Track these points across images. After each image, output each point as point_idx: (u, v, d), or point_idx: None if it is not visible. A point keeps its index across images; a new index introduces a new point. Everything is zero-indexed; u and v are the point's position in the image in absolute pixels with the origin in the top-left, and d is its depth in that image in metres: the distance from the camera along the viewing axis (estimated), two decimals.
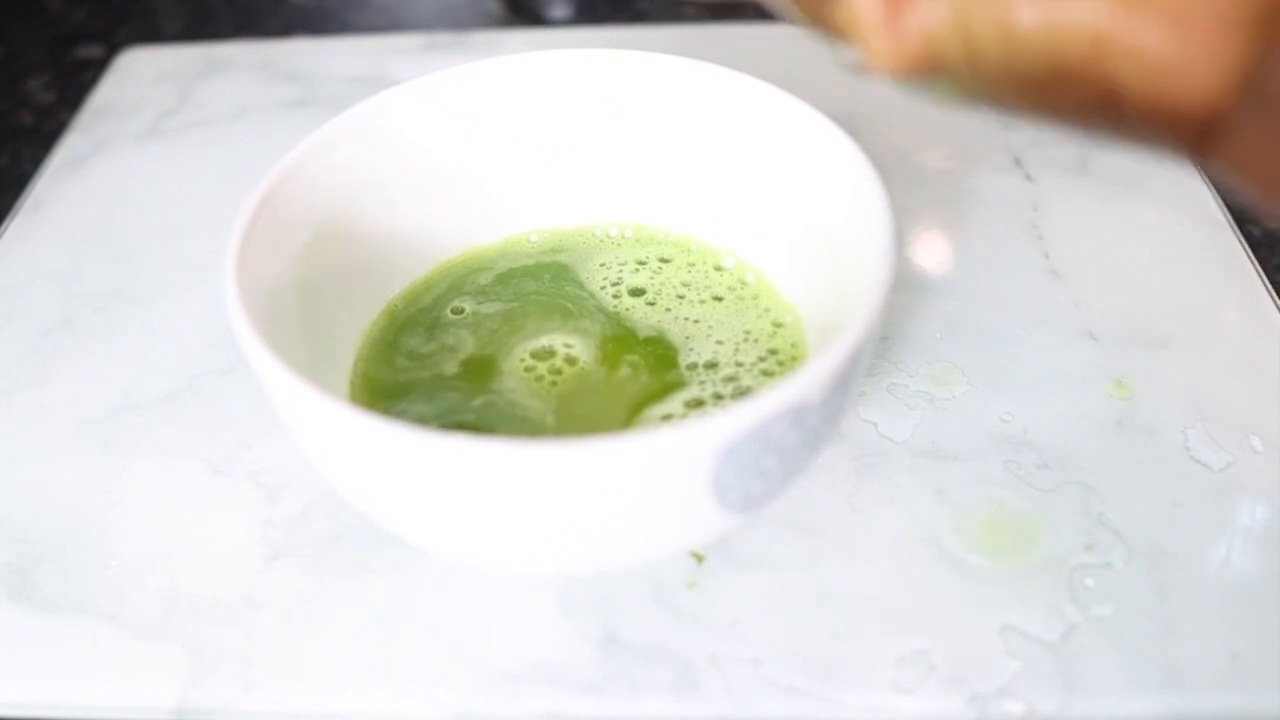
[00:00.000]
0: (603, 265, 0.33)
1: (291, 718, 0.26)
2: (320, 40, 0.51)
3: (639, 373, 0.30)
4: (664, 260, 0.33)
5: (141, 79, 0.49)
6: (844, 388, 0.24)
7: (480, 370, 0.30)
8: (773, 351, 0.30)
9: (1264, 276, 0.36)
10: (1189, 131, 0.18)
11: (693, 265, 0.33)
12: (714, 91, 0.31)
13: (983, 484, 0.30)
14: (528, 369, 0.30)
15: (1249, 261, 0.37)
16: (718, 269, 0.33)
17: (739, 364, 0.30)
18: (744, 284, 0.33)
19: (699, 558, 0.29)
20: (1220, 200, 0.39)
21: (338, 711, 0.26)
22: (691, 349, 0.30)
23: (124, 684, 0.27)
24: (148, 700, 0.26)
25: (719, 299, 0.32)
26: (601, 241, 0.34)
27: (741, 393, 0.29)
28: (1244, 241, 0.38)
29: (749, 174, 0.32)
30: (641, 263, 0.33)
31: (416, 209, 0.33)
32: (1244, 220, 0.39)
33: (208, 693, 0.26)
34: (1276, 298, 0.35)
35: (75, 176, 0.43)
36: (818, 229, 0.30)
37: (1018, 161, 0.41)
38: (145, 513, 0.30)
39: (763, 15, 0.28)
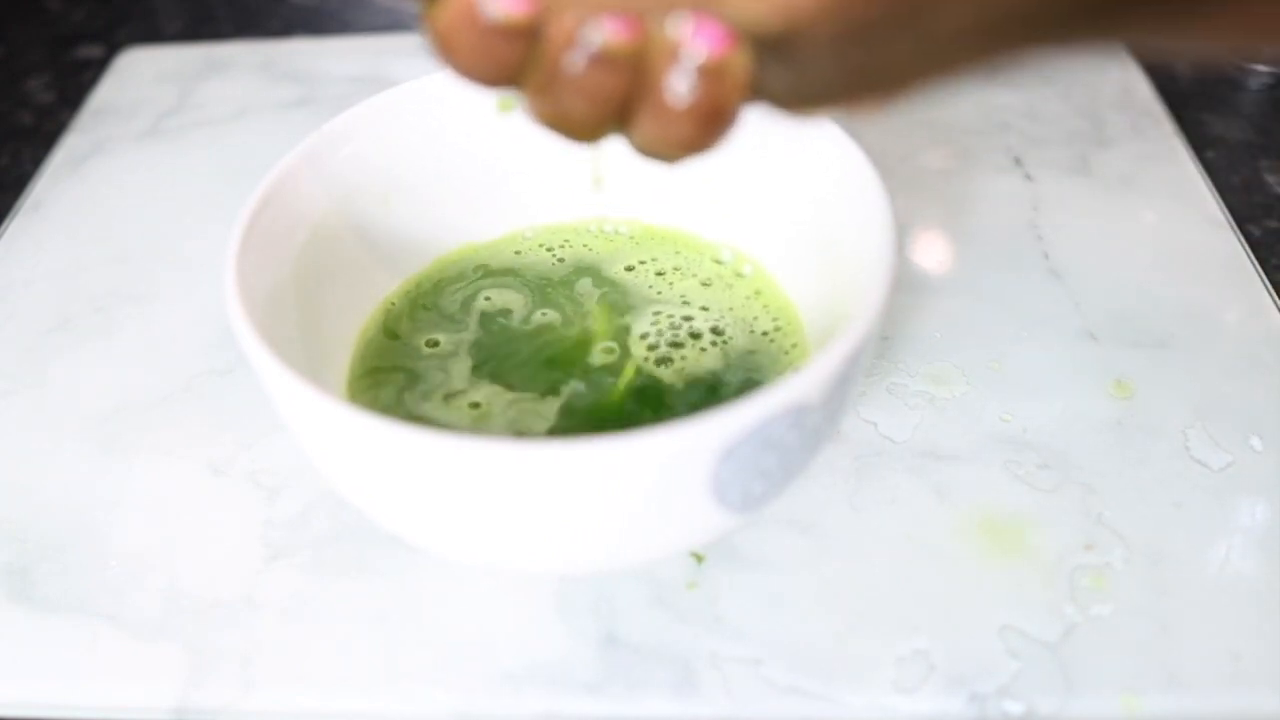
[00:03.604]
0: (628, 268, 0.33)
1: (291, 718, 0.26)
2: (320, 40, 0.51)
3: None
4: (655, 258, 0.33)
5: (141, 79, 0.49)
6: (844, 388, 0.24)
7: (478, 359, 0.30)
8: (754, 318, 0.30)
9: (1264, 276, 0.36)
10: None
11: (689, 260, 0.33)
12: None
13: (983, 484, 0.30)
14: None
15: (1249, 261, 0.37)
16: (716, 262, 0.33)
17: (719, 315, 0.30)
18: (740, 275, 0.33)
19: (699, 558, 0.29)
20: (1220, 200, 0.39)
21: (338, 711, 0.26)
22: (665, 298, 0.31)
23: (124, 684, 0.27)
24: (148, 700, 0.26)
25: (707, 284, 0.32)
26: (597, 238, 0.34)
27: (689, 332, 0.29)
28: (1244, 241, 0.38)
29: (748, 173, 0.32)
30: (641, 262, 0.33)
31: (414, 207, 0.33)
32: (1244, 220, 0.39)
33: (208, 693, 0.26)
34: (1276, 298, 0.35)
35: (75, 176, 0.43)
36: (817, 228, 0.30)
37: (1018, 161, 0.41)
38: (145, 513, 0.30)
39: None
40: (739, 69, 0.18)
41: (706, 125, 0.19)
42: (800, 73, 0.18)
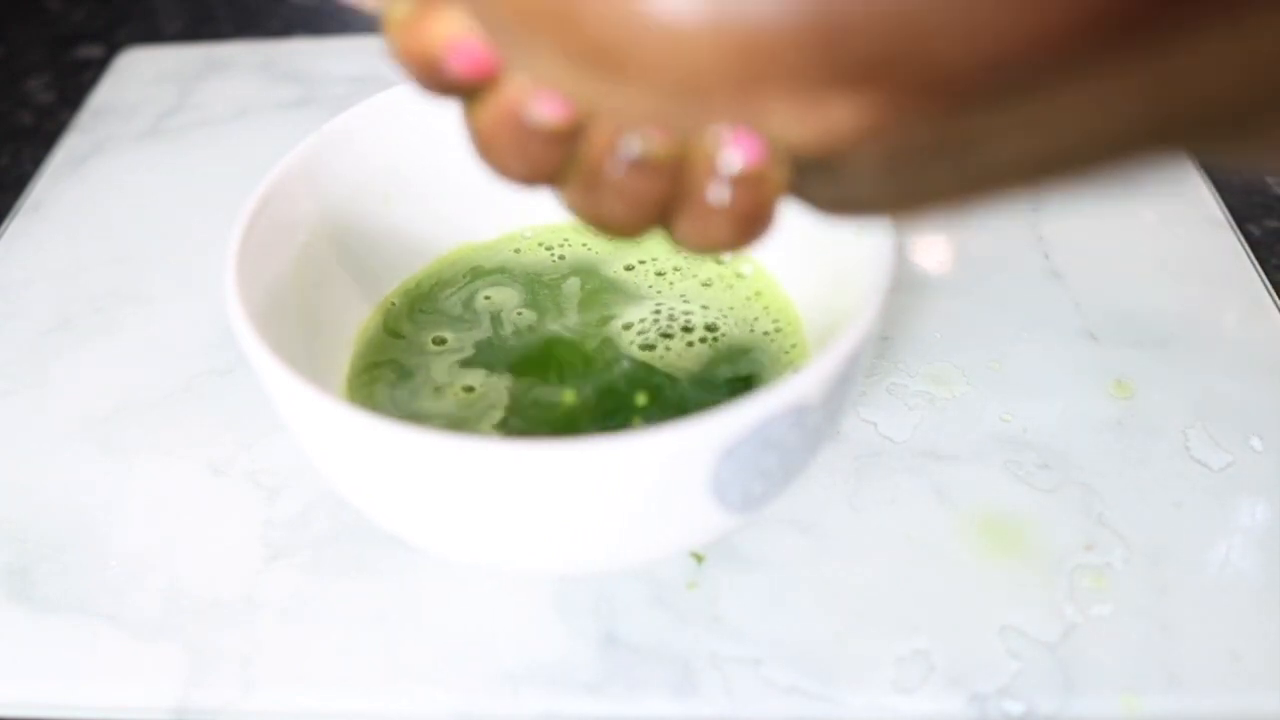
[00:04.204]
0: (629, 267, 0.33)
1: (291, 718, 0.26)
2: (320, 40, 0.51)
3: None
4: (655, 258, 0.33)
5: (141, 79, 0.49)
6: (844, 388, 0.24)
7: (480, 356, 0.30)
8: (755, 318, 0.30)
9: (1264, 276, 0.36)
10: None
11: (690, 259, 0.33)
12: None
13: (983, 484, 0.30)
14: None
15: (1249, 261, 0.37)
16: (716, 261, 0.33)
17: (718, 318, 0.30)
18: (740, 276, 0.33)
19: (699, 558, 0.29)
20: (1220, 200, 0.39)
21: (338, 711, 0.26)
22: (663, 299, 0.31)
23: (124, 684, 0.27)
24: (148, 700, 0.26)
25: (707, 284, 0.32)
26: (597, 237, 0.34)
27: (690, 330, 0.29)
28: (1244, 241, 0.38)
29: None
30: (641, 261, 0.33)
31: (414, 207, 0.33)
32: (1244, 220, 0.39)
33: (208, 693, 0.26)
34: (1276, 298, 0.35)
35: (75, 176, 0.43)
36: (817, 228, 0.30)
37: None
38: (145, 513, 0.30)
39: None
40: (777, 175, 0.18)
41: (745, 227, 0.19)
42: (841, 189, 0.18)
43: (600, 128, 0.18)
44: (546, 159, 0.18)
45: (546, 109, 0.17)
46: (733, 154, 0.17)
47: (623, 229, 0.19)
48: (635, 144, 0.17)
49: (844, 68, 0.15)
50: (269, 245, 0.27)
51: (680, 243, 0.20)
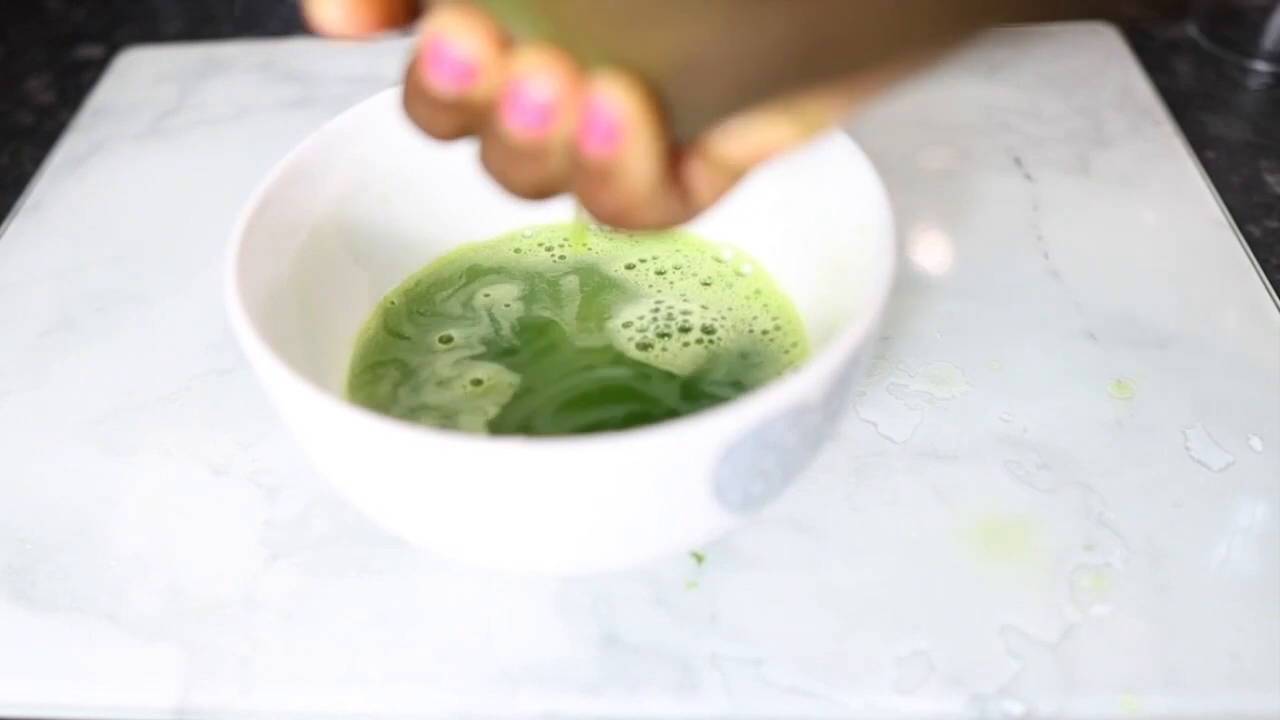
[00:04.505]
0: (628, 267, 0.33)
1: (291, 718, 0.26)
2: (320, 40, 0.51)
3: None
4: (655, 257, 0.33)
5: (141, 79, 0.49)
6: (844, 388, 0.24)
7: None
8: (754, 317, 0.30)
9: (1264, 276, 0.36)
10: None
11: (690, 258, 0.33)
12: None
13: (983, 484, 0.30)
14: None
15: (1249, 261, 0.37)
16: (717, 260, 0.33)
17: (717, 321, 0.30)
18: (740, 275, 0.33)
19: (699, 558, 0.29)
20: (1220, 200, 0.39)
21: (338, 711, 0.26)
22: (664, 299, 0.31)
23: (124, 684, 0.27)
24: (148, 700, 0.26)
25: (707, 283, 0.32)
26: (597, 237, 0.34)
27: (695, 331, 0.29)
28: (1244, 241, 0.38)
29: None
30: (642, 260, 0.33)
31: (413, 207, 0.33)
32: (1244, 220, 0.39)
33: (208, 693, 0.26)
34: (1276, 298, 0.35)
35: (75, 176, 0.43)
36: (817, 228, 0.30)
37: (1018, 161, 0.41)
38: (145, 513, 0.30)
39: None
40: (638, 164, 0.19)
41: (615, 216, 0.20)
42: (710, 113, 0.18)
43: (493, 95, 0.19)
44: (445, 123, 0.19)
45: (440, 78, 0.19)
46: (589, 143, 0.18)
47: (523, 191, 0.20)
48: (515, 123, 0.19)
49: None
50: (269, 245, 0.27)
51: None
